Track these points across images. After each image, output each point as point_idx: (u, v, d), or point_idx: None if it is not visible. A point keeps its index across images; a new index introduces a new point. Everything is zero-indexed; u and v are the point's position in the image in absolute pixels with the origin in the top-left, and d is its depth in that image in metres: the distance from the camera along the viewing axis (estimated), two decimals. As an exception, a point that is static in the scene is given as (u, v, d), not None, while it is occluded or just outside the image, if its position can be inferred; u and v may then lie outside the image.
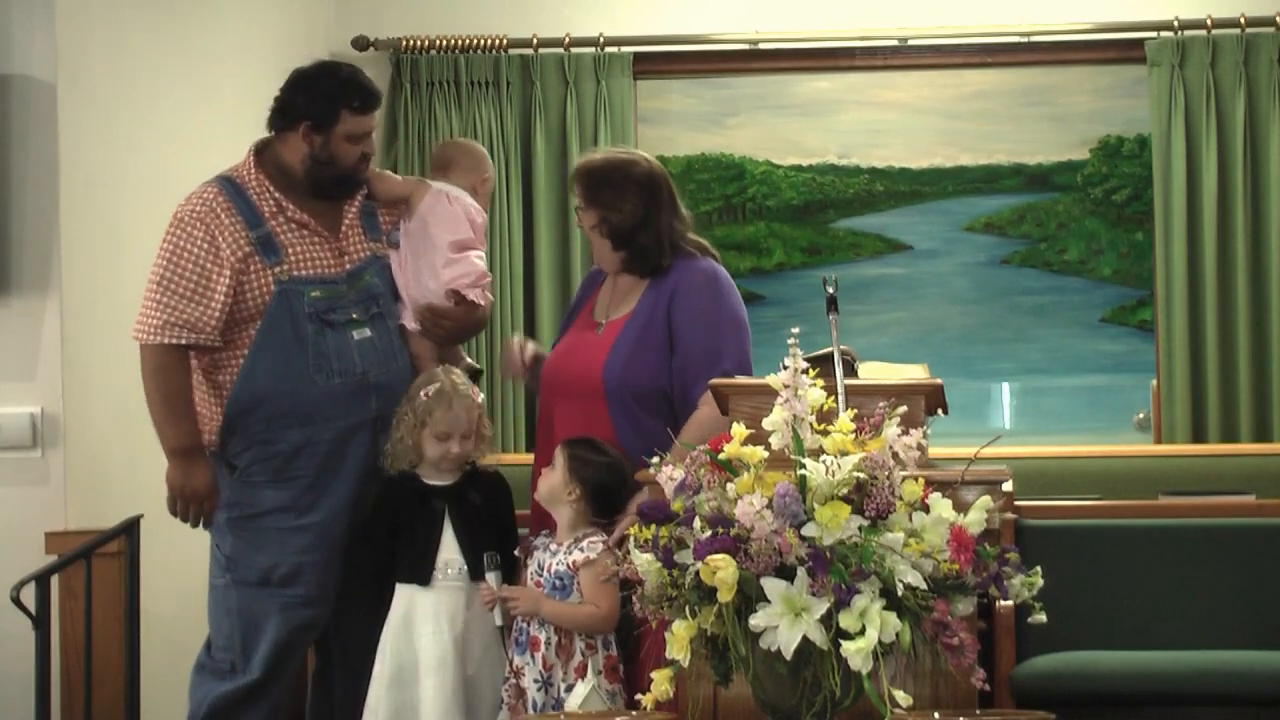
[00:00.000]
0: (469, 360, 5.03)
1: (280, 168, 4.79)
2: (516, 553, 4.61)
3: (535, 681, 4.41)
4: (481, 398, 4.73)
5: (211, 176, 4.83)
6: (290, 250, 4.74)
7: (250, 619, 4.70)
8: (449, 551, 4.58)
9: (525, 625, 4.47)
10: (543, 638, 4.43)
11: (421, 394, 4.62)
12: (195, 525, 4.78)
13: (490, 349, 6.95)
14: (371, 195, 4.92)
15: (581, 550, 4.43)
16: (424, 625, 4.53)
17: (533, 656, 4.43)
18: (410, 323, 4.86)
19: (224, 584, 4.76)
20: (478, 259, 4.92)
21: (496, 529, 4.64)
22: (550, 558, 4.49)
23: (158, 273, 4.71)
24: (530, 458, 5.24)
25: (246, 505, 4.71)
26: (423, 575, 4.56)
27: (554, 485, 4.51)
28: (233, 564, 4.73)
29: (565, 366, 4.78)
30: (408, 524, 4.60)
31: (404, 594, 4.58)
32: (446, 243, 4.86)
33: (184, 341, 4.67)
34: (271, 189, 4.76)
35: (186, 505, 4.73)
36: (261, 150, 4.83)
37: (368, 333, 4.77)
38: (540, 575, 4.49)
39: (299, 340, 4.69)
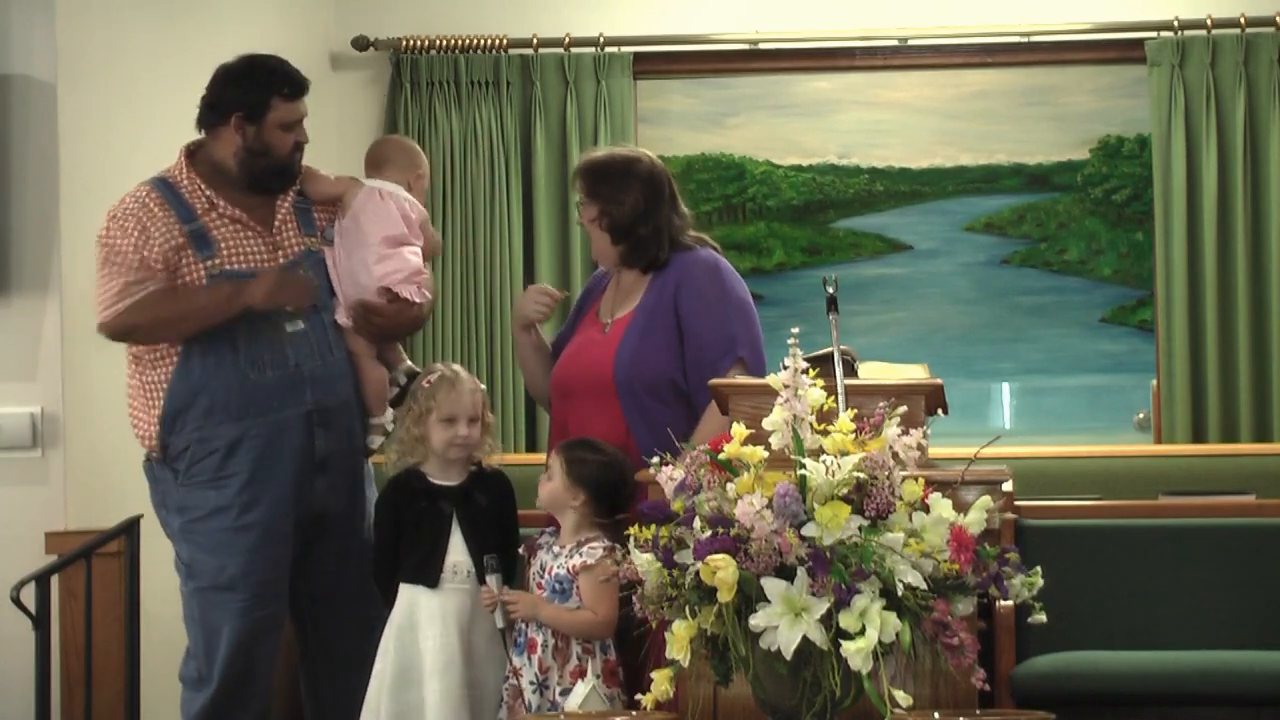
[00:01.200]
0: (408, 362, 5.00)
1: (213, 165, 4.79)
2: (521, 551, 4.60)
3: (531, 683, 4.40)
4: (482, 385, 4.74)
5: (140, 182, 4.82)
6: (223, 244, 4.73)
7: (210, 625, 4.69)
8: (457, 554, 4.56)
9: (524, 627, 4.46)
10: (539, 640, 4.43)
11: (424, 383, 4.63)
12: (313, 294, 4.75)
13: (491, 348, 6.96)
14: (304, 193, 4.91)
15: (581, 555, 4.42)
16: (430, 627, 4.52)
17: (529, 658, 4.43)
18: (343, 319, 4.85)
19: (187, 591, 4.76)
20: (412, 255, 4.88)
21: (502, 530, 4.64)
22: (552, 560, 4.49)
23: (99, 265, 4.74)
24: (530, 457, 5.25)
25: (193, 509, 4.70)
26: (430, 577, 4.54)
27: (555, 491, 4.51)
28: (191, 570, 4.73)
29: (575, 367, 4.79)
30: (413, 524, 4.59)
31: (408, 594, 4.57)
32: (379, 238, 4.84)
33: (143, 292, 4.67)
34: (203, 186, 4.76)
35: (287, 292, 4.71)
36: (193, 151, 4.83)
37: (301, 325, 4.76)
38: (542, 577, 4.48)
39: (230, 334, 4.69)
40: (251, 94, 4.74)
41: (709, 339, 4.65)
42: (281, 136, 4.77)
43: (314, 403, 4.72)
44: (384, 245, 4.84)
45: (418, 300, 4.86)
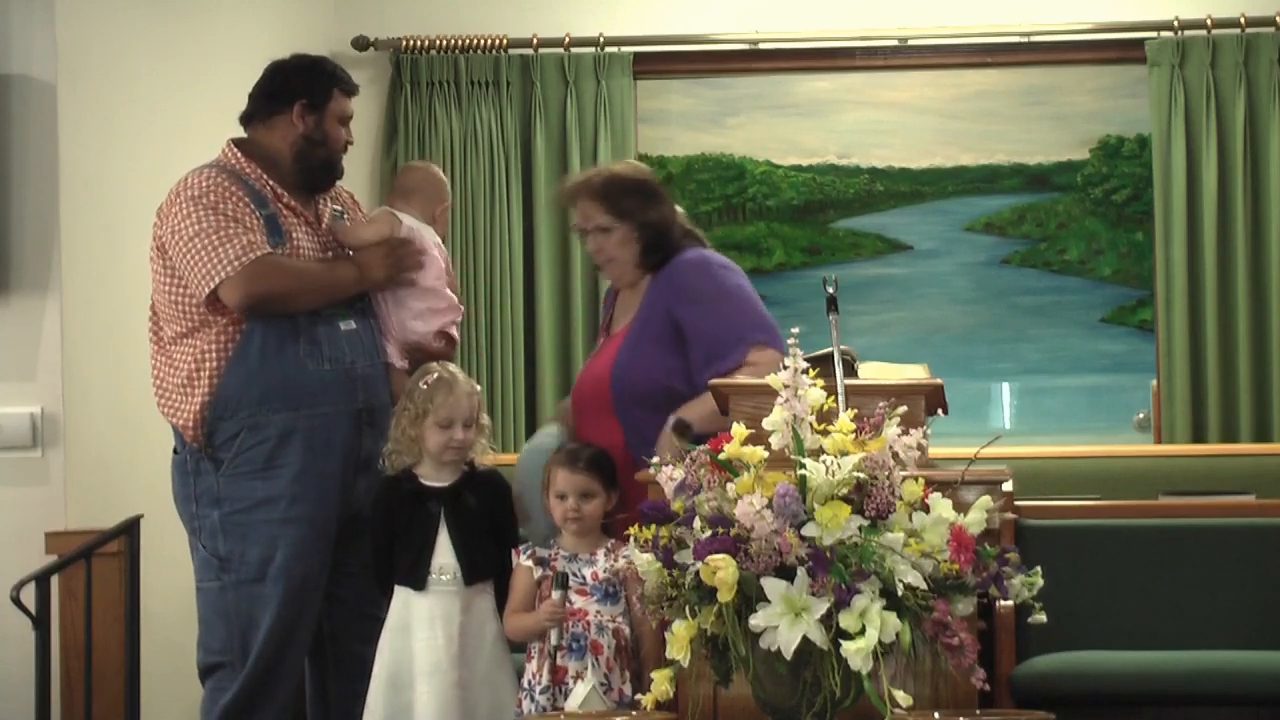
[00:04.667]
0: None
1: (265, 158, 4.79)
2: (526, 560, 4.54)
3: (602, 684, 4.39)
4: (479, 388, 4.73)
5: (195, 169, 4.77)
6: (291, 235, 4.74)
7: (248, 616, 4.67)
8: (444, 555, 4.55)
9: (584, 632, 4.45)
10: (604, 643, 4.43)
11: (421, 384, 4.62)
12: (418, 264, 4.84)
13: (490, 348, 6.97)
14: (340, 240, 4.88)
15: (624, 557, 4.41)
16: (419, 629, 4.51)
17: (596, 659, 4.41)
18: (397, 360, 4.86)
19: (218, 587, 4.71)
20: (449, 292, 4.96)
21: (494, 530, 4.63)
22: (588, 566, 4.48)
23: (194, 230, 4.62)
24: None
25: (236, 500, 4.68)
26: (417, 579, 4.54)
27: (602, 508, 4.50)
28: (227, 564, 4.69)
29: (582, 385, 4.81)
30: (404, 526, 4.58)
31: (401, 596, 4.57)
32: (429, 282, 4.89)
33: (262, 251, 4.63)
34: (265, 176, 4.76)
35: (394, 260, 4.80)
36: (240, 145, 4.82)
37: (353, 325, 4.79)
38: (584, 584, 4.47)
39: (293, 324, 4.69)
40: (316, 82, 4.81)
41: (716, 337, 4.62)
42: (338, 130, 4.84)
43: (364, 401, 4.74)
44: (436, 286, 4.90)
45: (457, 338, 4.99)
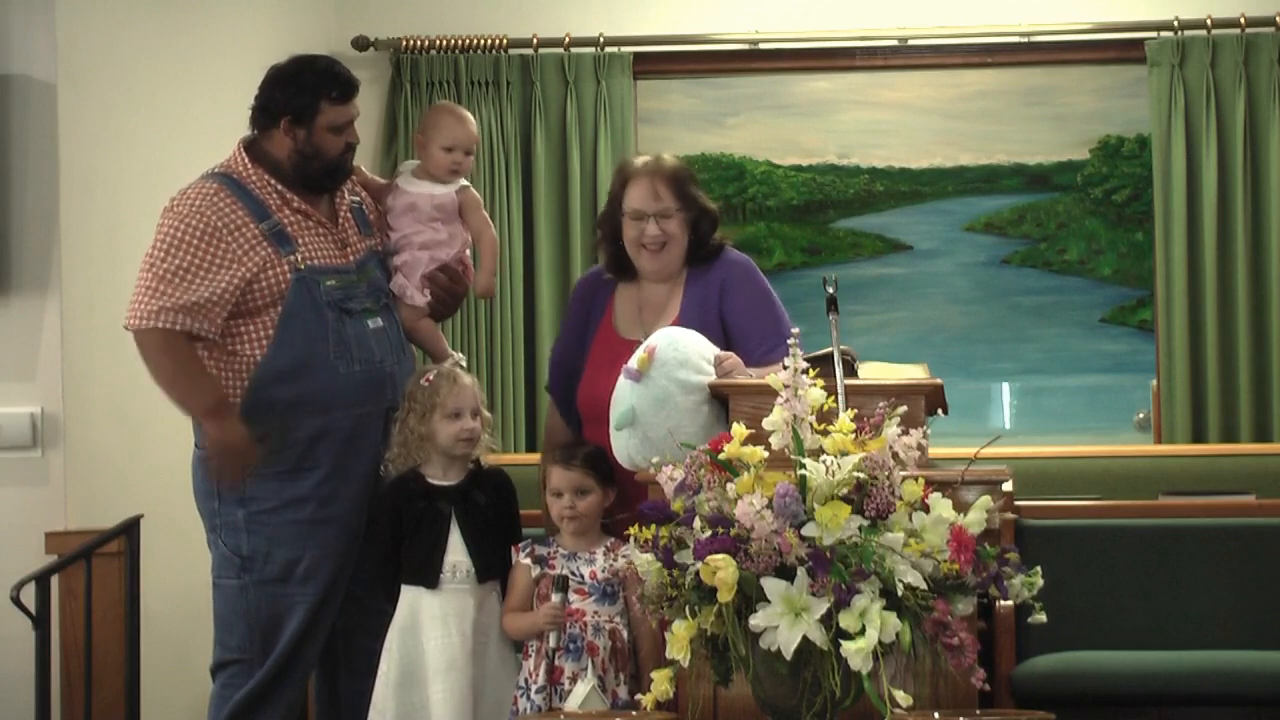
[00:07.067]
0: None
1: (272, 163, 4.78)
2: (525, 559, 4.55)
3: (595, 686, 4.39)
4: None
5: (203, 174, 4.76)
6: (301, 240, 4.72)
7: (271, 616, 4.66)
8: (456, 554, 4.56)
9: (581, 633, 4.45)
10: (600, 644, 4.43)
11: (422, 382, 4.62)
12: (240, 484, 4.65)
13: (491, 348, 6.96)
14: (365, 195, 4.90)
15: (623, 558, 4.40)
16: (431, 628, 4.51)
17: (591, 661, 4.41)
18: (421, 298, 4.86)
19: (237, 585, 4.70)
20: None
21: (502, 529, 4.63)
22: (587, 566, 4.48)
23: (151, 260, 4.62)
24: (531, 457, 5.22)
25: (263, 500, 4.66)
26: (429, 578, 4.54)
27: (599, 503, 4.50)
28: (250, 563, 4.68)
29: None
30: (413, 525, 4.58)
31: (410, 595, 4.56)
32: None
33: (178, 327, 4.58)
34: (272, 181, 4.74)
35: (225, 463, 4.63)
36: (250, 146, 4.81)
37: (380, 323, 4.78)
38: (582, 583, 4.47)
39: (321, 328, 4.67)
40: (299, 97, 4.72)
41: (761, 334, 4.62)
42: (331, 139, 4.76)
43: (392, 399, 4.72)
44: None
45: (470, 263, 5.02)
